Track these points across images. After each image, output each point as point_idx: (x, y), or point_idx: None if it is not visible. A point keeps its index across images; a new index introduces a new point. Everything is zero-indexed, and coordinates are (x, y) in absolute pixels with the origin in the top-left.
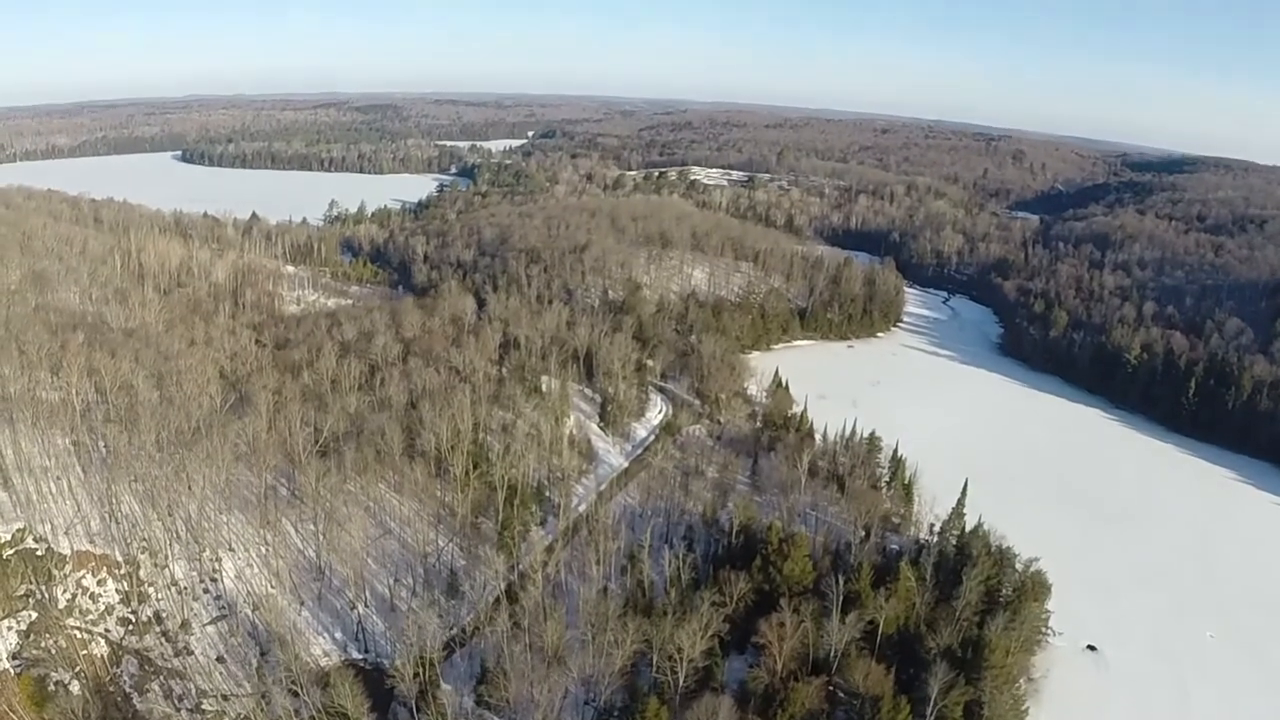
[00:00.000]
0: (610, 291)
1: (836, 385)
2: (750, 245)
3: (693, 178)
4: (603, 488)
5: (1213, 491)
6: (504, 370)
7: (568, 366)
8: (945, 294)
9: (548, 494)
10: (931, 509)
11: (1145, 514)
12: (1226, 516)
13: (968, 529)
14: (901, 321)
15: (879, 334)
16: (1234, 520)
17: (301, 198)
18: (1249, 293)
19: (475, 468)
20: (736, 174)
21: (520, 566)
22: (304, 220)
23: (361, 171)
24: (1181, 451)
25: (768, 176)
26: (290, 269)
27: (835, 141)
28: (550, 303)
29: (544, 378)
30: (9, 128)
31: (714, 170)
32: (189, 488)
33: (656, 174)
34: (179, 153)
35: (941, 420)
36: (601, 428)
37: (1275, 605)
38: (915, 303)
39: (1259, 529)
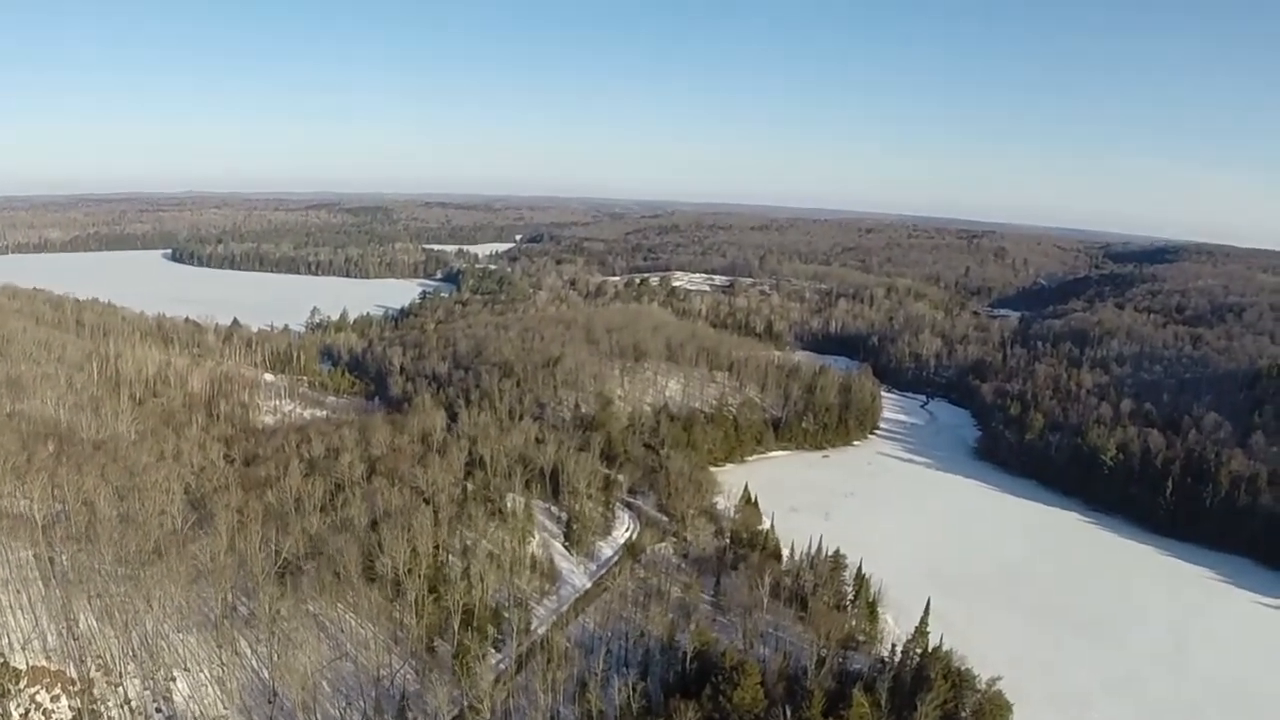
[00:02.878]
0: (582, 405)
1: (809, 497)
2: (725, 355)
3: (675, 284)
4: (564, 609)
5: (1190, 592)
6: (468, 489)
7: (532, 486)
8: (924, 398)
9: (507, 616)
10: (898, 624)
11: (1119, 619)
12: (1203, 618)
13: (930, 647)
14: (878, 428)
15: (855, 442)
16: (1211, 621)
17: (286, 302)
18: (1227, 384)
19: (433, 590)
20: (719, 278)
21: (471, 694)
22: (285, 327)
23: (348, 275)
24: (1159, 552)
25: (750, 281)
26: (269, 377)
27: (819, 243)
28: (521, 418)
29: (509, 495)
30: (3, 219)
31: (697, 275)
32: (148, 604)
33: (638, 280)
34: (169, 251)
35: (915, 530)
36: (566, 547)
37: (1250, 708)
38: (893, 407)
39: (1235, 629)
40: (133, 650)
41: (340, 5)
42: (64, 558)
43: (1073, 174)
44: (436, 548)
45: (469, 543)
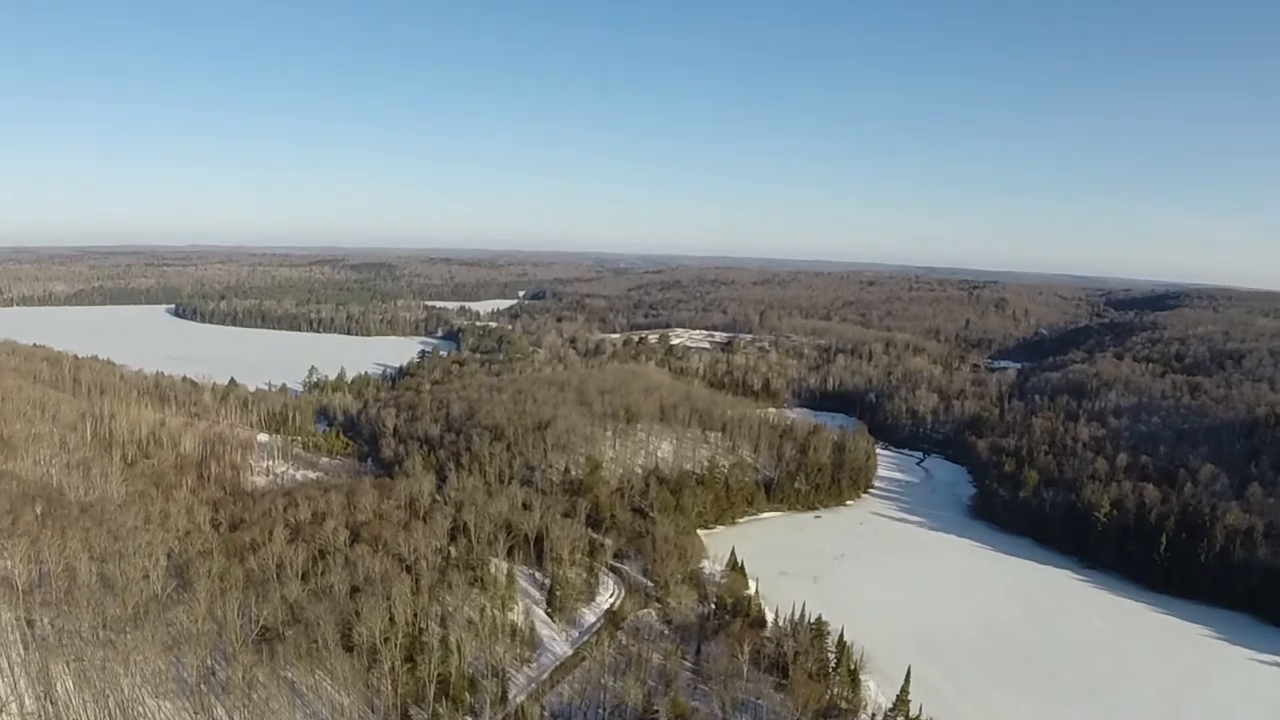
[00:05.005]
0: (572, 469)
1: (799, 560)
2: (719, 415)
3: (674, 341)
4: (543, 678)
5: (1185, 652)
6: (450, 556)
7: (514, 553)
8: (920, 455)
9: (485, 684)
10: (881, 691)
11: (1112, 683)
12: (1198, 679)
13: (912, 716)
14: (873, 487)
15: (848, 502)
16: (1206, 682)
17: (286, 360)
18: (1225, 434)
19: (410, 659)
20: (719, 335)
21: None
22: (283, 386)
23: (349, 333)
24: (1154, 610)
25: (749, 337)
26: (263, 437)
27: (820, 297)
28: (510, 481)
29: (493, 562)
30: (9, 272)
31: (697, 331)
32: (125, 669)
33: (637, 339)
34: (173, 306)
35: (905, 593)
36: (548, 613)
37: None
38: (889, 465)
39: (1231, 689)
40: (109, 715)
41: (347, 61)
42: (45, 621)
43: (1077, 220)
44: (415, 615)
45: (451, 609)
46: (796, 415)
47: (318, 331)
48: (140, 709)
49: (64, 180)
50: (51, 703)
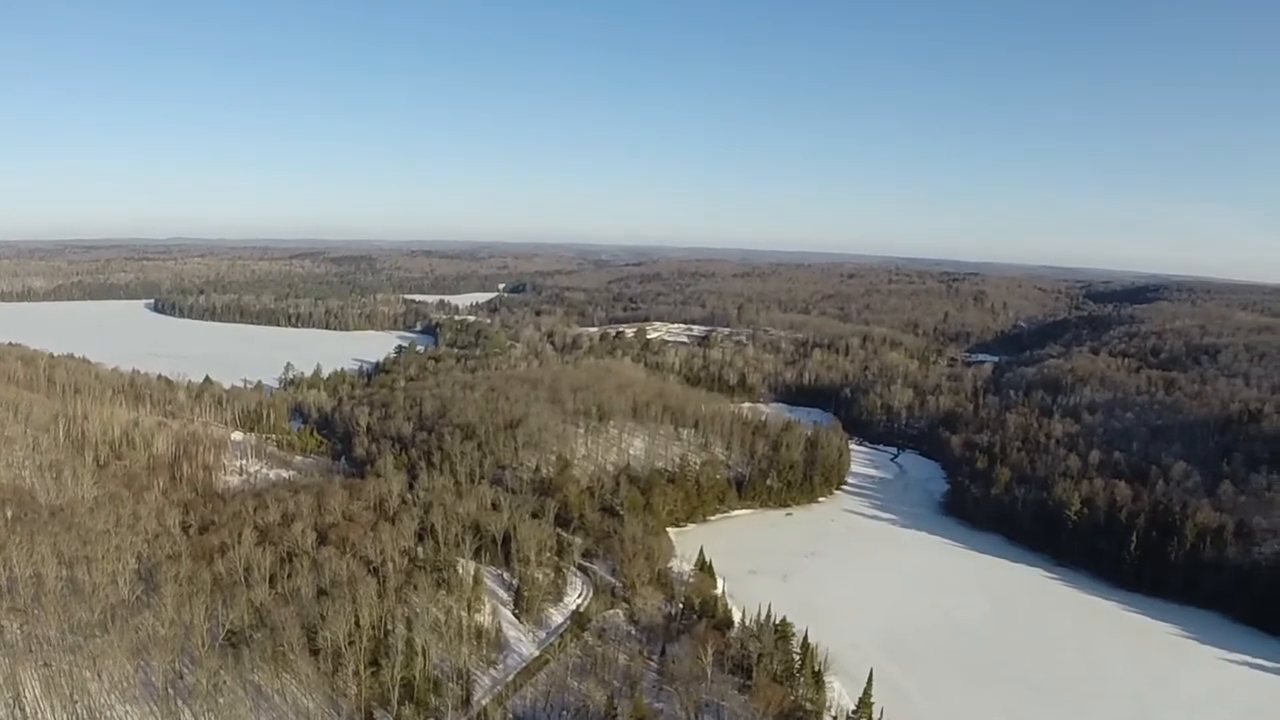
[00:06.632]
0: (543, 468)
1: (769, 558)
2: (691, 412)
3: (651, 335)
4: (509, 679)
5: (1154, 652)
6: (418, 557)
7: (480, 555)
8: (894, 450)
9: (451, 686)
10: (847, 692)
11: (1080, 685)
12: (1167, 680)
13: (874, 717)
14: (846, 484)
15: (821, 499)
16: (1175, 683)
17: (263, 356)
18: (1198, 431)
19: (374, 662)
20: (697, 329)
21: None
22: (259, 383)
23: (328, 328)
24: (1124, 609)
25: (726, 331)
26: (237, 435)
27: (799, 291)
28: (481, 480)
29: (460, 561)
30: None
31: (675, 325)
32: (95, 675)
33: (614, 333)
34: (151, 302)
35: (874, 591)
36: (515, 614)
37: None
38: (863, 461)
39: (1199, 691)
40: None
41: (330, 55)
42: (14, 627)
43: (1061, 211)
44: (381, 618)
45: (417, 611)
46: (772, 410)
47: (296, 326)
48: (109, 714)
49: (43, 174)
50: (20, 709)
